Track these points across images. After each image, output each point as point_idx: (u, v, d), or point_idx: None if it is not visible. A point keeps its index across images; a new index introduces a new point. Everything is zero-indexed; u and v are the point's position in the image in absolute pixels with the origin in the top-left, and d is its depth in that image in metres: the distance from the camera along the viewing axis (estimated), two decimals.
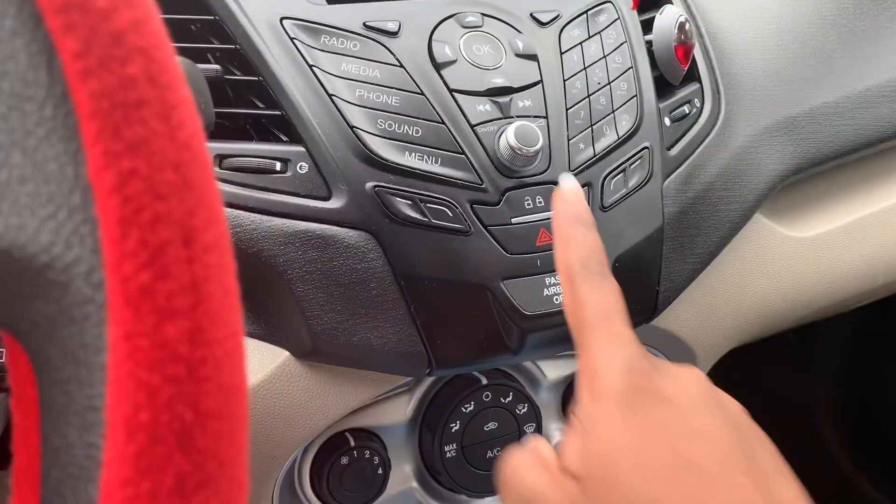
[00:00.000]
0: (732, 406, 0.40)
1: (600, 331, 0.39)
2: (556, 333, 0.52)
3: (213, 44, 0.51)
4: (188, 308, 0.18)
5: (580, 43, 0.56)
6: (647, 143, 0.56)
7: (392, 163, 0.49)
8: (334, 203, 0.48)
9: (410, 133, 0.50)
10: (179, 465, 0.17)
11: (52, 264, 0.18)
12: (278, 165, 0.48)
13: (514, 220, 0.51)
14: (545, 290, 0.51)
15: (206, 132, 0.32)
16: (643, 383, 0.37)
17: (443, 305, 0.50)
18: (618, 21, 0.59)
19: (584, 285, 0.41)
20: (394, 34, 0.52)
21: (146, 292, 0.17)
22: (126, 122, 0.17)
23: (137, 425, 0.17)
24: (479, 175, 0.50)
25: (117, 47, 0.17)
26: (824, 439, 1.31)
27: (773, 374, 1.36)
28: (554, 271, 0.52)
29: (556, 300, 0.51)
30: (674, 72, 0.60)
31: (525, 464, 0.39)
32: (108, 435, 0.17)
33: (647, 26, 0.60)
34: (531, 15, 0.56)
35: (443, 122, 0.50)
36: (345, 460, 0.57)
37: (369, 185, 0.48)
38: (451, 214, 0.50)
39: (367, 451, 0.58)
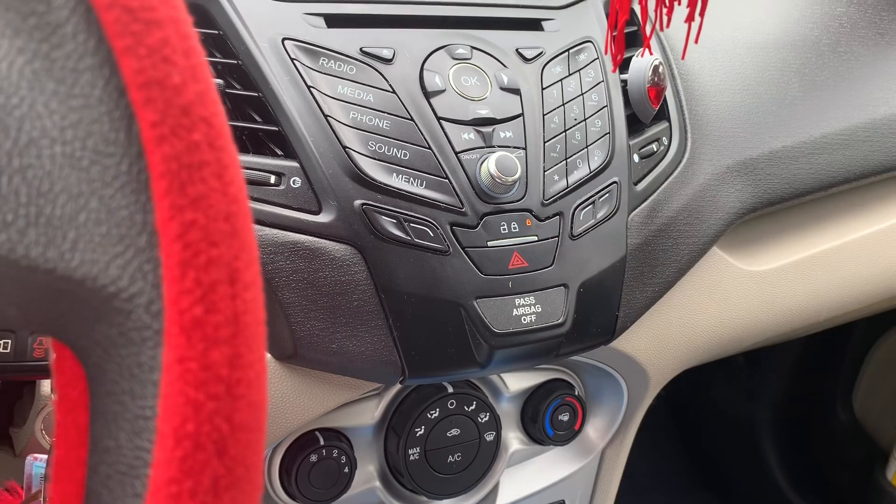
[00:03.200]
0: None
1: None
2: (522, 351, 0.56)
3: (216, 57, 0.53)
4: (230, 336, 0.21)
5: (560, 80, 0.60)
6: (616, 178, 0.60)
7: (380, 183, 0.52)
8: (323, 217, 0.51)
9: (399, 156, 0.53)
10: (215, 468, 0.21)
11: (118, 294, 0.21)
12: (272, 178, 0.51)
13: (490, 244, 0.54)
14: (514, 310, 0.55)
15: None
16: None
17: (419, 319, 0.53)
18: (597, 61, 0.63)
19: None
20: (388, 61, 0.55)
21: (198, 323, 0.20)
22: (190, 181, 0.20)
23: (184, 434, 0.20)
24: (459, 199, 0.54)
25: (186, 117, 0.20)
26: (765, 460, 1.37)
27: (721, 395, 1.41)
28: (523, 293, 0.55)
29: (524, 320, 0.55)
30: (645, 111, 0.64)
31: None
32: (157, 441, 0.21)
33: (624, 65, 0.64)
34: (517, 50, 0.60)
35: (429, 148, 0.54)
36: (313, 458, 0.60)
37: (357, 202, 0.51)
38: (431, 234, 0.53)
39: (335, 451, 0.61)
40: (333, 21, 0.55)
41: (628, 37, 0.65)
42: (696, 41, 0.44)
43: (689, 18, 0.43)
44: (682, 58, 0.42)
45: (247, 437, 0.21)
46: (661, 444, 1.47)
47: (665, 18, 0.41)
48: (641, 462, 1.39)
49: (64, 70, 0.20)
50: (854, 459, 1.32)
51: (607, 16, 0.60)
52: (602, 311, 0.59)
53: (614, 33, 0.45)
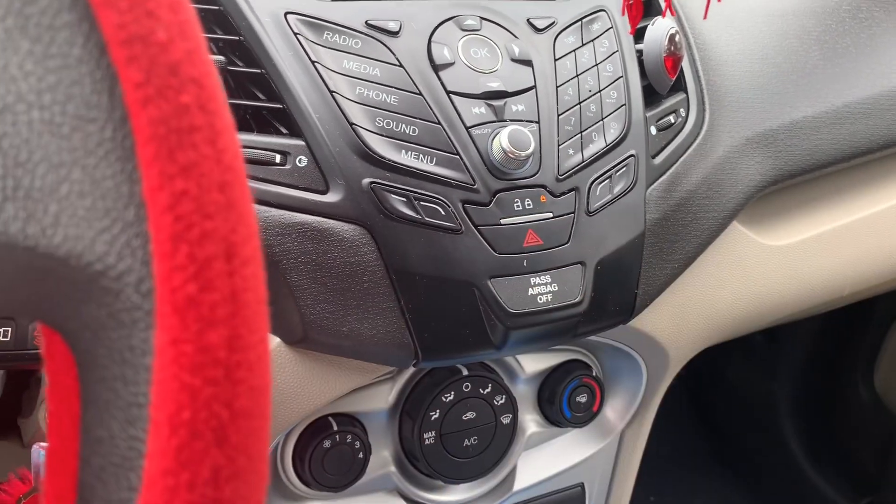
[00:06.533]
0: None
1: None
2: (538, 331, 0.54)
3: (218, 34, 0.52)
4: (227, 316, 0.19)
5: (574, 50, 0.58)
6: (633, 151, 0.58)
7: (389, 160, 0.50)
8: (331, 197, 0.50)
9: (407, 132, 0.51)
10: (215, 458, 0.19)
11: (105, 273, 0.19)
12: (278, 158, 0.50)
13: (503, 221, 0.53)
14: (530, 289, 0.53)
15: None
16: None
17: (431, 300, 0.51)
18: (611, 30, 0.60)
19: None
20: (395, 34, 0.53)
21: (192, 302, 0.19)
22: (180, 147, 0.19)
23: (180, 422, 0.19)
24: (471, 176, 0.52)
25: (173, 77, 0.19)
26: (784, 437, 1.35)
27: (738, 373, 1.40)
28: (539, 271, 0.54)
29: (540, 300, 0.54)
30: (662, 82, 0.62)
31: None
32: (151, 430, 0.19)
33: (638, 35, 0.62)
34: (528, 20, 0.58)
35: (439, 123, 0.52)
36: (327, 444, 0.59)
37: (366, 181, 0.50)
38: (443, 213, 0.51)
39: (349, 436, 0.60)
40: None
41: (644, 6, 0.63)
42: (705, 17, 0.41)
43: None
44: (705, 17, 0.40)
45: (249, 425, 0.20)
46: (679, 422, 1.46)
47: None
48: (659, 441, 1.38)
49: (39, 27, 0.19)
50: (875, 436, 1.30)
51: None
52: (620, 289, 0.58)
53: None
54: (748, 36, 0.74)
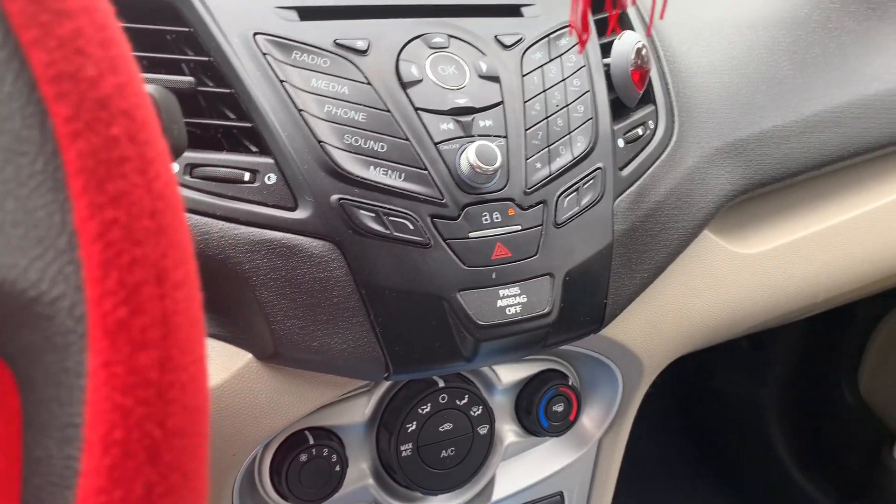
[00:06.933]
0: None
1: None
2: (508, 342, 0.55)
3: (188, 55, 0.53)
4: (159, 339, 0.20)
5: (541, 66, 0.59)
6: (600, 164, 0.59)
7: (357, 177, 0.51)
8: (300, 214, 0.50)
9: (376, 148, 0.52)
10: (148, 476, 0.20)
11: (39, 299, 0.20)
12: (247, 176, 0.50)
13: (471, 235, 0.53)
14: (499, 301, 0.54)
15: (177, 155, 0.34)
16: None
17: (401, 314, 0.52)
18: (579, 45, 0.61)
19: None
20: (363, 52, 0.54)
21: (123, 326, 0.20)
22: (109, 177, 0.20)
23: (112, 441, 0.19)
24: (440, 190, 0.53)
25: (103, 111, 0.20)
26: (771, 442, 1.36)
27: (725, 378, 1.41)
28: (508, 283, 0.54)
29: (509, 311, 0.54)
30: (630, 95, 0.63)
31: None
32: (85, 449, 0.20)
33: (606, 49, 0.63)
34: (496, 37, 0.59)
35: (407, 139, 0.53)
36: (304, 457, 0.60)
37: (334, 197, 0.51)
38: (411, 227, 0.52)
39: (326, 450, 0.60)
40: (306, 14, 0.55)
41: (613, 19, 0.64)
42: (662, 16, 0.42)
43: None
44: (661, 17, 0.40)
45: (183, 443, 0.20)
46: (667, 429, 1.46)
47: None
48: (647, 448, 1.39)
49: None
50: (861, 440, 1.31)
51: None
52: (589, 299, 0.58)
53: (580, 15, 0.43)
54: (718, 47, 0.75)
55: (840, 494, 1.34)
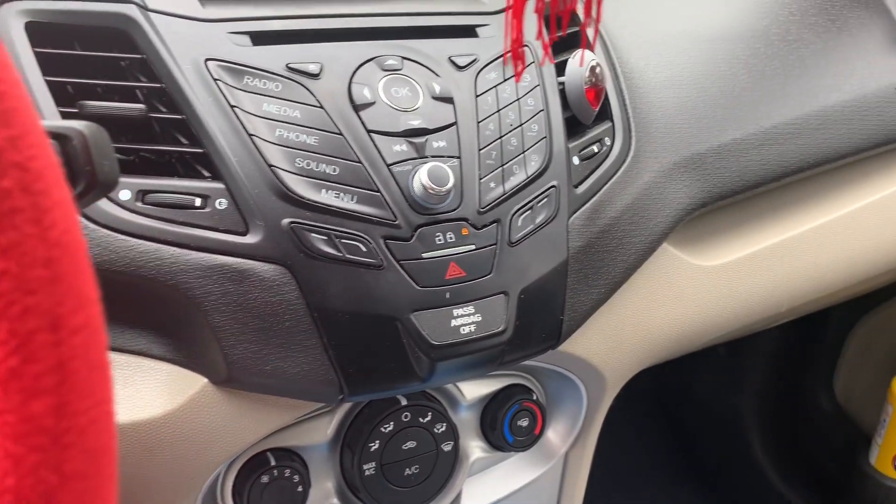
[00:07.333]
0: None
1: None
2: (463, 361, 0.56)
3: (141, 82, 0.53)
4: (54, 385, 0.20)
5: (495, 86, 0.60)
6: (554, 182, 0.59)
7: (308, 200, 0.51)
8: (251, 238, 0.51)
9: (328, 172, 0.52)
10: None
11: None
12: (198, 201, 0.51)
13: (424, 255, 0.54)
14: (453, 320, 0.54)
15: (109, 189, 0.34)
16: None
17: (355, 336, 0.52)
18: (532, 64, 0.62)
19: None
20: (315, 76, 0.54)
21: (14, 374, 0.20)
22: None
23: (4, 489, 0.20)
24: (392, 212, 0.53)
25: None
26: (749, 447, 1.37)
27: (705, 387, 1.41)
28: (462, 303, 0.55)
29: (463, 330, 0.55)
30: (585, 112, 0.64)
31: None
32: None
33: (561, 68, 0.64)
34: (450, 58, 0.59)
35: (359, 162, 0.53)
36: (265, 479, 0.60)
37: (285, 221, 0.51)
38: (364, 249, 0.52)
39: (288, 470, 0.61)
40: (259, 38, 0.55)
41: (568, 38, 0.65)
42: (598, 20, 0.43)
43: (586, 14, 0.42)
44: (598, 18, 0.41)
45: (83, 486, 0.21)
46: (647, 437, 1.47)
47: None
48: (627, 456, 1.39)
49: None
50: (838, 445, 1.32)
51: (546, 18, 0.60)
52: (545, 316, 0.59)
53: (512, 40, 0.44)
54: (676, 62, 0.75)
55: (818, 498, 1.34)
